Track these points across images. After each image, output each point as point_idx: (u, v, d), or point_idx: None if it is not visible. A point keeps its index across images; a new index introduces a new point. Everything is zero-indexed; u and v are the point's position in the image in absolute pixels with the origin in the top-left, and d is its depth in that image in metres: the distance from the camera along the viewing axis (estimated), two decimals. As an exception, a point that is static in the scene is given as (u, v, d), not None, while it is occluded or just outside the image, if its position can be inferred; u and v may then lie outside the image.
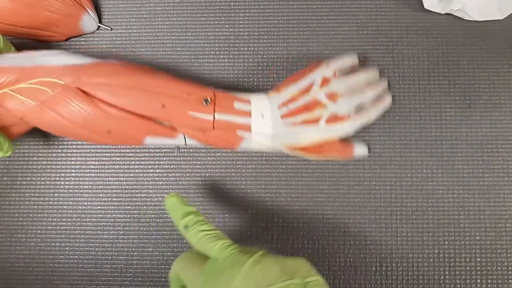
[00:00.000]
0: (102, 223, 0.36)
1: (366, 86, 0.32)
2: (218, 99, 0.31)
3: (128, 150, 0.36)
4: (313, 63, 0.33)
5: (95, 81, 0.30)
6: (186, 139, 0.32)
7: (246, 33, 0.37)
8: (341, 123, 0.31)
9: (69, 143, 0.37)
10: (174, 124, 0.31)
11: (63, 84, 0.30)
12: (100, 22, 0.37)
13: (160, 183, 0.36)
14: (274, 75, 0.37)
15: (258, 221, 0.35)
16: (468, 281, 0.34)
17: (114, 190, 0.36)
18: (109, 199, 0.36)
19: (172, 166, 0.36)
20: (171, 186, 0.36)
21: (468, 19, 0.36)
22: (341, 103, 0.31)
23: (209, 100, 0.31)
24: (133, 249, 0.36)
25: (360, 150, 0.33)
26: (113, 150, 0.36)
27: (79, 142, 0.37)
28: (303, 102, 0.31)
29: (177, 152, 0.33)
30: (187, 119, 0.30)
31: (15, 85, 0.30)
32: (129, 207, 0.36)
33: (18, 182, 0.36)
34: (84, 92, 0.30)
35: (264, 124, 0.31)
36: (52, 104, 0.30)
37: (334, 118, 0.31)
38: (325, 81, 0.31)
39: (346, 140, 0.33)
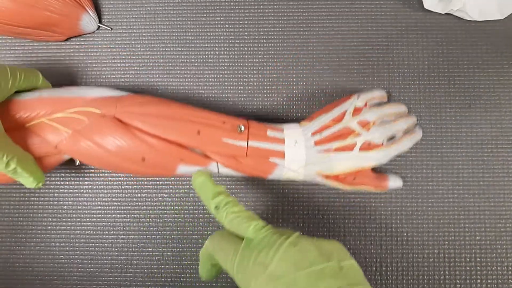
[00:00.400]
0: (102, 223, 0.36)
1: (397, 118, 0.33)
2: (252, 127, 0.32)
3: (128, 150, 0.36)
4: (344, 97, 0.33)
5: (131, 110, 0.31)
6: (219, 167, 0.32)
7: (246, 33, 0.37)
8: (375, 151, 0.31)
9: (69, 143, 0.37)
10: (208, 152, 0.31)
11: (99, 113, 0.30)
12: (100, 22, 0.37)
13: (160, 183, 0.36)
14: (275, 75, 0.37)
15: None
16: (468, 281, 0.34)
17: (114, 190, 0.36)
18: (109, 199, 0.36)
19: (172, 166, 0.36)
20: (171, 186, 0.36)
21: (468, 19, 0.36)
22: (374, 131, 0.31)
23: (243, 127, 0.31)
24: (133, 249, 0.36)
25: (394, 182, 0.33)
26: (113, 150, 0.36)
27: (79, 142, 0.37)
28: (336, 130, 0.31)
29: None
30: (221, 146, 0.31)
31: (52, 115, 0.30)
32: (129, 207, 0.36)
33: (18, 182, 0.36)
34: (119, 120, 0.30)
35: (297, 151, 0.31)
36: (87, 132, 0.30)
37: (367, 146, 0.31)
38: (356, 111, 0.32)
39: (380, 173, 0.34)
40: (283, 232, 0.25)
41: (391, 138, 0.32)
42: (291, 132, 0.32)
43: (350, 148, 0.31)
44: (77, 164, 0.34)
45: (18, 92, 0.31)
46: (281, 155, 0.31)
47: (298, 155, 0.31)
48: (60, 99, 0.31)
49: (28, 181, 0.30)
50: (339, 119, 0.32)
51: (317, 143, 0.31)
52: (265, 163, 0.31)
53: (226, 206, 0.27)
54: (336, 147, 0.31)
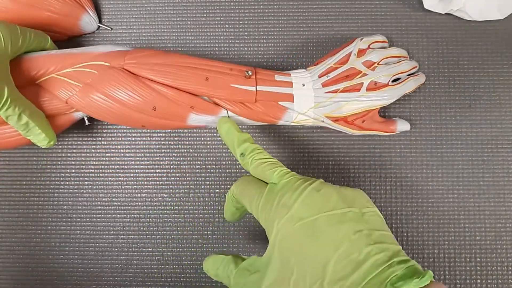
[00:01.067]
0: (102, 223, 0.36)
1: (400, 61, 0.33)
2: (259, 73, 0.32)
3: (128, 150, 0.36)
4: (347, 42, 0.34)
5: (139, 61, 0.31)
6: (229, 115, 0.32)
7: (246, 33, 0.37)
8: (382, 90, 0.31)
9: (69, 143, 0.37)
10: (217, 99, 0.31)
11: (108, 65, 0.31)
12: (100, 22, 0.37)
13: (160, 183, 0.36)
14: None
15: (258, 222, 0.35)
16: (468, 281, 0.34)
17: (114, 190, 0.36)
18: (109, 199, 0.36)
19: (172, 166, 0.36)
20: (171, 186, 0.36)
21: (468, 19, 0.36)
22: (379, 70, 0.31)
23: (250, 72, 0.31)
24: (133, 249, 0.36)
25: (402, 125, 0.34)
26: (113, 150, 0.36)
27: (79, 142, 0.37)
28: (343, 71, 0.32)
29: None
30: (230, 92, 0.31)
31: (61, 70, 0.31)
32: (129, 207, 0.36)
33: (18, 182, 0.36)
34: (128, 71, 0.31)
35: (306, 92, 0.32)
36: (97, 84, 0.30)
37: (374, 86, 0.31)
38: (361, 52, 0.32)
39: (388, 118, 0.35)
40: (307, 179, 0.26)
41: (396, 81, 0.33)
42: (298, 76, 0.33)
43: (357, 89, 0.31)
44: (87, 124, 0.34)
45: (27, 52, 0.32)
46: (290, 98, 0.32)
47: (307, 96, 0.32)
48: (68, 55, 0.31)
49: (39, 138, 0.30)
50: (344, 61, 0.32)
51: (324, 85, 0.32)
52: (275, 107, 0.32)
53: (252, 154, 0.28)
54: (343, 87, 0.31)
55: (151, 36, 0.37)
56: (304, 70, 0.33)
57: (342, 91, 0.31)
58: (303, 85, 0.32)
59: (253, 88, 0.31)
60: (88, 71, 0.31)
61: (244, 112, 0.32)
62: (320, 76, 0.32)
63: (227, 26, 0.37)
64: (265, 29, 0.37)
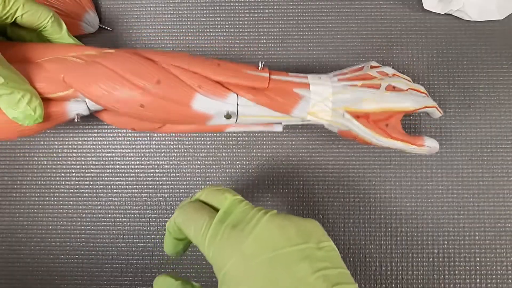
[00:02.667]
0: (102, 223, 0.36)
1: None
2: (272, 72, 0.30)
3: (128, 150, 0.36)
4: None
5: (151, 51, 0.30)
6: (239, 100, 0.29)
7: (246, 33, 0.37)
8: (403, 93, 0.30)
9: (70, 143, 0.37)
10: (227, 85, 0.29)
11: (113, 51, 0.30)
12: (100, 22, 0.37)
13: (160, 183, 0.36)
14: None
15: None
16: (467, 280, 0.34)
17: (114, 190, 0.36)
18: (109, 199, 0.36)
19: (172, 166, 0.36)
20: (171, 186, 0.36)
21: (468, 19, 0.36)
22: (397, 79, 0.30)
23: (263, 64, 0.30)
24: (133, 249, 0.36)
25: (430, 142, 0.30)
26: (113, 150, 0.36)
27: (79, 142, 0.37)
28: (359, 74, 0.30)
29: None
30: (242, 76, 0.29)
31: (66, 54, 0.30)
32: (129, 207, 0.36)
33: (18, 182, 0.36)
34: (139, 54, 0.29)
35: (323, 82, 0.30)
36: (98, 58, 0.29)
37: (392, 89, 0.30)
38: (374, 67, 0.31)
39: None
40: (260, 209, 0.24)
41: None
42: (314, 75, 0.31)
43: (376, 86, 0.30)
44: (76, 120, 0.31)
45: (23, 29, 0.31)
46: (306, 86, 0.29)
47: (324, 86, 0.29)
48: (76, 45, 0.31)
49: (19, 105, 0.27)
50: (359, 69, 0.31)
51: (341, 80, 0.30)
52: (289, 93, 0.29)
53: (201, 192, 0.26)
54: (361, 84, 0.30)
55: (151, 36, 0.37)
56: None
57: (361, 86, 0.30)
58: (319, 78, 0.30)
59: (266, 74, 0.30)
60: (91, 53, 0.30)
61: (255, 98, 0.29)
62: (336, 75, 0.31)
63: (227, 26, 0.37)
64: (265, 29, 0.37)
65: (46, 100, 0.29)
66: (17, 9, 0.28)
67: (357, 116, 0.30)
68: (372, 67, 0.31)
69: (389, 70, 0.31)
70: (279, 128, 0.32)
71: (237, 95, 0.29)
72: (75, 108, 0.30)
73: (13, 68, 0.27)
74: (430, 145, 0.30)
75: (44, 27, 0.30)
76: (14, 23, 0.30)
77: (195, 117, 0.29)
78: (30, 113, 0.28)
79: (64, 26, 0.31)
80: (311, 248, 0.22)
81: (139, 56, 0.29)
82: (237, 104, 0.29)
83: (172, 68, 0.29)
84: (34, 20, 0.29)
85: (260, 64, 0.30)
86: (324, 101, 0.29)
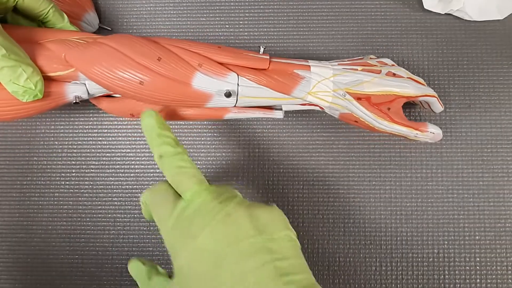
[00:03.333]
0: (102, 223, 0.36)
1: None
2: (272, 56, 0.31)
3: (128, 150, 0.36)
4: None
5: (154, 38, 0.30)
6: (239, 79, 0.29)
7: (246, 33, 0.37)
8: (403, 79, 0.30)
9: (70, 142, 0.37)
10: (227, 64, 0.30)
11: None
12: (100, 22, 0.37)
13: (160, 183, 0.36)
14: (274, 75, 0.37)
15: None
16: (467, 280, 0.34)
17: (114, 190, 0.36)
18: (110, 198, 0.36)
19: (172, 166, 0.36)
20: (171, 186, 0.36)
21: (468, 19, 0.36)
22: (397, 67, 0.31)
23: (263, 48, 0.31)
24: (133, 249, 0.36)
25: (434, 129, 0.30)
26: (113, 150, 0.36)
27: (79, 142, 0.37)
28: (359, 61, 0.31)
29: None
30: (243, 57, 0.29)
31: (69, 37, 0.30)
32: (129, 207, 0.36)
33: (18, 182, 0.36)
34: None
35: (323, 65, 0.30)
36: (100, 39, 0.29)
37: (393, 75, 0.30)
38: (373, 58, 0.32)
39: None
40: (223, 198, 0.24)
41: None
42: (314, 60, 0.31)
43: (377, 72, 0.30)
44: (75, 102, 0.30)
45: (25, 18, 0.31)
46: (307, 68, 0.30)
47: (325, 68, 0.30)
48: (76, 32, 0.31)
49: (20, 79, 0.27)
50: (358, 59, 0.31)
51: (341, 64, 0.31)
52: (290, 74, 0.30)
53: (172, 158, 0.25)
54: (362, 68, 0.30)
55: (151, 36, 0.37)
56: None
57: (362, 70, 0.30)
58: (320, 62, 0.31)
59: (267, 56, 0.30)
60: (93, 37, 0.30)
61: (255, 78, 0.29)
62: (336, 62, 0.31)
63: (227, 26, 0.37)
64: (265, 29, 0.37)
65: (46, 80, 0.29)
66: None
67: (358, 98, 0.29)
68: (371, 58, 0.32)
69: (388, 61, 0.31)
70: (279, 115, 0.32)
71: (238, 74, 0.29)
72: (75, 90, 0.30)
73: (15, 42, 0.27)
74: (433, 131, 0.30)
75: (46, 16, 0.30)
76: (15, 10, 0.30)
77: (195, 96, 0.29)
78: (30, 87, 0.27)
79: (66, 17, 0.31)
80: (263, 240, 0.22)
81: (141, 37, 0.30)
82: (238, 84, 0.29)
83: (173, 47, 0.29)
84: (35, 6, 0.29)
85: (261, 49, 0.31)
86: (324, 82, 0.29)
